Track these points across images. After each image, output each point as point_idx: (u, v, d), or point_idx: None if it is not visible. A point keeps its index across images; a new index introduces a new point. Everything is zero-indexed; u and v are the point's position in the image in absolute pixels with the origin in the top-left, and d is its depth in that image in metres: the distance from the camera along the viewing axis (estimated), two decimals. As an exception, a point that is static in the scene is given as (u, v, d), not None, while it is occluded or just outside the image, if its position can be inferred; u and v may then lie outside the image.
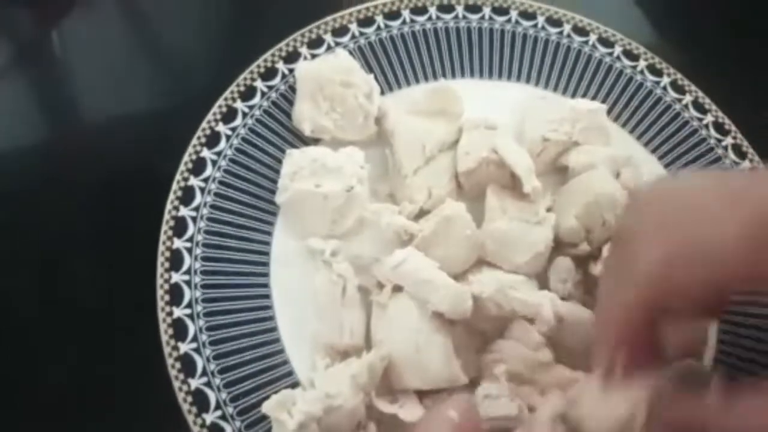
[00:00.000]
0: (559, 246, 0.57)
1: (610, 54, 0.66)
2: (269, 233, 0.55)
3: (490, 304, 0.52)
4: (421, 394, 0.50)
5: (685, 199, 0.39)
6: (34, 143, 0.61)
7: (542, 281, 0.55)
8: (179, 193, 0.54)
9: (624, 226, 0.43)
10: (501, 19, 0.66)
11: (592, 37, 0.67)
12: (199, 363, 0.49)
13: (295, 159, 0.55)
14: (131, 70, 0.64)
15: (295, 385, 0.50)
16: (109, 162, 0.60)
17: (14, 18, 0.67)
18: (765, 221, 0.36)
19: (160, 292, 0.51)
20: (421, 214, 0.56)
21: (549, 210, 0.57)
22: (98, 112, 0.62)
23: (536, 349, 0.51)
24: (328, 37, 0.62)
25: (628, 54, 0.66)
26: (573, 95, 0.64)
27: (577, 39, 0.66)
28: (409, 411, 0.49)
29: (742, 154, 0.63)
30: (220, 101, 0.58)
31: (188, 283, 0.52)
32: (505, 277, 0.53)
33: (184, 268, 0.52)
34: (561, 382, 0.50)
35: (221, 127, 0.57)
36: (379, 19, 0.64)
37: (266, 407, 0.47)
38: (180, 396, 0.48)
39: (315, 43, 0.62)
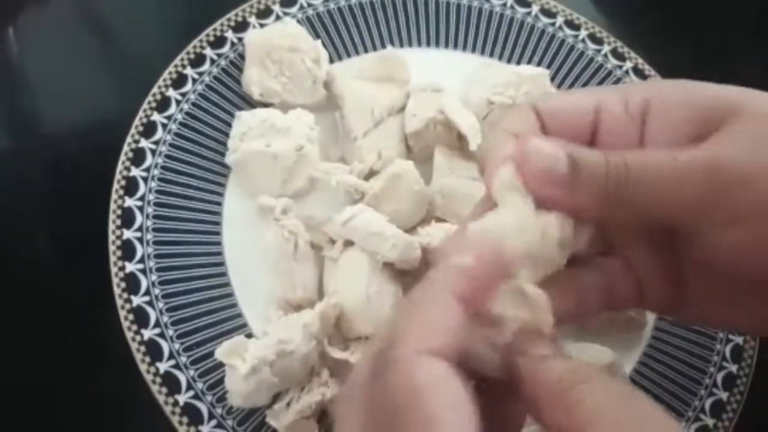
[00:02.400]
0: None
1: (553, 24, 0.68)
2: (220, 194, 0.56)
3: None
4: (373, 342, 0.51)
5: None
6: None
7: (490, 236, 0.57)
8: (130, 155, 0.55)
9: None
10: (445, -10, 0.68)
11: (535, 8, 0.69)
12: (152, 315, 0.50)
13: (244, 120, 0.56)
14: (84, 45, 0.65)
15: (248, 336, 0.51)
16: (61, 129, 0.60)
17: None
18: None
19: (112, 248, 0.51)
20: (371, 174, 0.58)
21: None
22: (51, 84, 0.62)
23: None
24: (277, 8, 0.63)
25: (570, 24, 0.69)
26: (518, 63, 0.66)
27: (520, 10, 0.68)
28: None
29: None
30: (170, 68, 0.59)
31: (140, 239, 0.52)
32: (453, 228, 0.54)
33: (136, 225, 0.53)
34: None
35: (171, 93, 0.58)
36: (327, -10, 0.65)
37: (219, 353, 0.47)
38: (133, 346, 0.49)
39: (263, 13, 0.63)
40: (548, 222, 0.33)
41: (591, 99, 0.36)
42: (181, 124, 0.57)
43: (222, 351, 0.47)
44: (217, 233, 0.54)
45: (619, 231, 0.37)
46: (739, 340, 0.58)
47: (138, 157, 0.55)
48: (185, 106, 0.58)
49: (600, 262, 0.37)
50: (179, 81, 0.58)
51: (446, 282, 0.31)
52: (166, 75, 0.58)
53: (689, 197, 0.32)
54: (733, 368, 0.57)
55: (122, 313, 0.50)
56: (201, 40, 0.61)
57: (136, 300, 0.50)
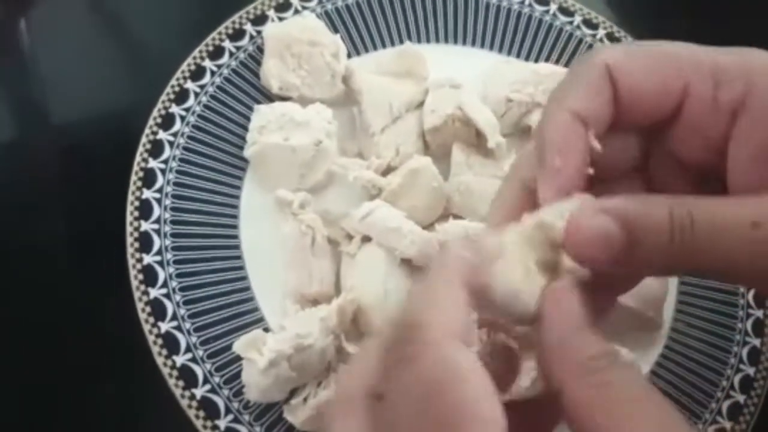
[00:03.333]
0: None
1: (571, 23, 0.68)
2: (238, 187, 0.56)
3: (457, 251, 0.53)
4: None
5: None
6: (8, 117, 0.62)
7: (508, 234, 0.56)
8: (148, 147, 0.55)
9: None
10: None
11: (553, 7, 0.68)
12: (169, 307, 0.50)
13: (263, 113, 0.56)
14: (102, 37, 0.65)
15: (265, 330, 0.50)
16: (79, 121, 0.60)
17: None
18: None
19: (129, 240, 0.51)
20: (389, 170, 0.57)
21: (513, 167, 0.58)
22: (68, 76, 0.62)
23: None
24: (296, 1, 0.63)
25: (588, 23, 0.68)
26: (535, 61, 0.66)
27: (539, 8, 0.68)
28: (378, 352, 0.49)
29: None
30: (189, 60, 0.59)
31: (158, 231, 0.52)
32: (471, 225, 0.54)
33: (154, 217, 0.52)
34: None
35: (190, 85, 0.58)
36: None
37: (237, 346, 0.47)
38: (150, 339, 0.49)
39: (282, 7, 0.63)
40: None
41: (678, 79, 0.32)
42: (199, 116, 0.57)
43: (240, 344, 0.47)
44: (235, 226, 0.54)
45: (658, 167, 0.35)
46: (757, 342, 0.57)
47: (156, 148, 0.55)
48: (204, 99, 0.57)
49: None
50: (198, 73, 0.58)
51: (454, 270, 0.30)
52: (184, 67, 0.58)
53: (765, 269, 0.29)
54: (751, 371, 0.56)
55: (139, 305, 0.50)
56: (220, 33, 0.60)
57: (154, 292, 0.50)
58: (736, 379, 0.56)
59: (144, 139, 0.55)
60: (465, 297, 0.29)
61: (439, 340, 0.28)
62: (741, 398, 0.55)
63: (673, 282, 0.58)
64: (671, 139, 0.34)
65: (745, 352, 0.57)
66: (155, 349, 0.48)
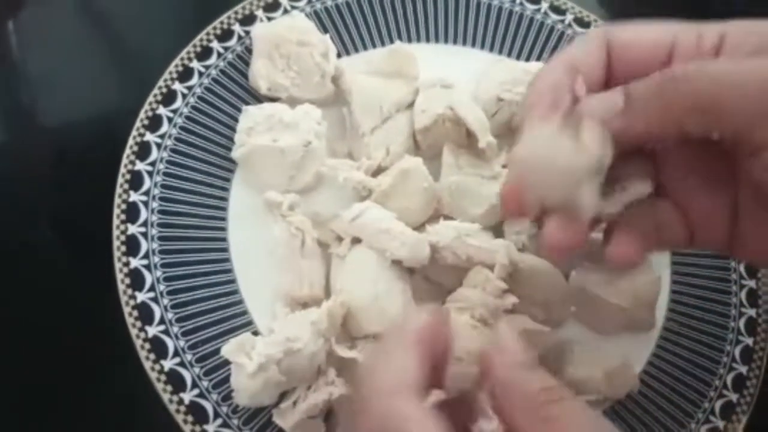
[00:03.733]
0: (514, 202, 0.57)
1: (562, 21, 0.68)
2: (226, 189, 0.55)
3: (447, 253, 0.52)
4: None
5: None
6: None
7: (498, 235, 0.56)
8: (135, 149, 0.54)
9: None
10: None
11: (544, 5, 0.68)
12: (157, 311, 0.49)
13: (251, 115, 0.55)
14: (89, 39, 0.64)
15: (254, 334, 0.50)
16: (65, 123, 0.60)
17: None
18: None
19: (116, 243, 0.51)
20: (379, 171, 0.57)
21: (504, 167, 0.58)
22: (55, 78, 0.61)
23: (499, 296, 0.51)
24: (285, 1, 0.63)
25: (579, 21, 0.68)
26: (527, 60, 0.66)
27: (530, 6, 0.68)
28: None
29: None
30: (176, 61, 0.58)
31: (145, 235, 0.51)
32: (462, 226, 0.53)
33: (141, 220, 0.52)
34: (526, 330, 0.51)
35: (177, 86, 0.57)
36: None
37: (225, 350, 0.47)
38: (137, 343, 0.48)
39: (271, 7, 0.62)
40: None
41: (667, 35, 0.38)
42: (187, 117, 0.56)
43: (228, 348, 0.47)
44: (223, 229, 0.54)
45: (673, 172, 0.39)
46: (749, 341, 0.57)
47: (143, 151, 0.54)
48: (191, 100, 0.57)
49: (651, 204, 0.39)
50: (185, 74, 0.58)
51: (412, 335, 0.34)
52: (172, 68, 0.58)
53: (746, 104, 0.32)
54: (743, 369, 0.56)
55: (126, 310, 0.49)
56: (208, 33, 0.60)
57: (141, 296, 0.50)
58: (729, 378, 0.56)
59: (131, 141, 0.54)
60: (419, 355, 0.33)
61: (387, 393, 0.32)
62: (734, 397, 0.55)
63: (665, 281, 0.58)
64: None
65: (737, 350, 0.57)
66: (143, 354, 0.48)
